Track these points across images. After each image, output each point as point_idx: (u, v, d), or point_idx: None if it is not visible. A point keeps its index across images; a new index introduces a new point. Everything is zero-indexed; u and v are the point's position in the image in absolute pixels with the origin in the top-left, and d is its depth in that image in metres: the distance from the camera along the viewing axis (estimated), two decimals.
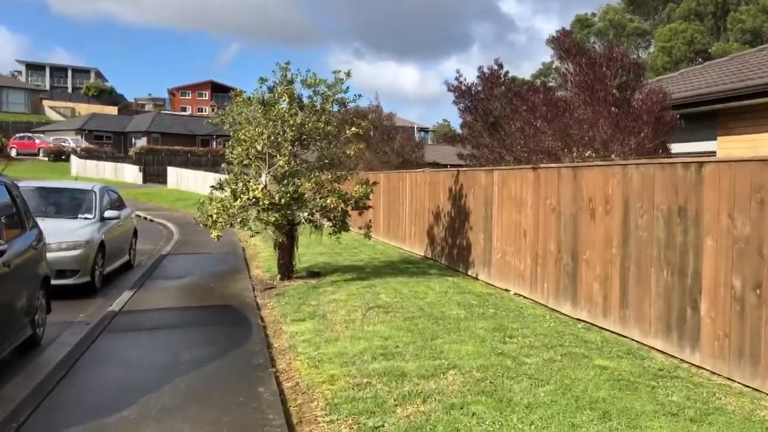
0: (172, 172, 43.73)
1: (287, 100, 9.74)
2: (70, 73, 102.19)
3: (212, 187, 9.61)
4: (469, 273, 11.29)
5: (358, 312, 7.68)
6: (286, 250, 10.33)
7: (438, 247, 12.97)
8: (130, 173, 47.15)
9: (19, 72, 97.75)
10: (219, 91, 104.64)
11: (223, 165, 9.58)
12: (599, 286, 7.42)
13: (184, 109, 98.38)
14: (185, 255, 15.28)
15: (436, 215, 13.05)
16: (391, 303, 8.17)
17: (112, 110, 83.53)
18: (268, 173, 9.46)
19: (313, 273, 11.05)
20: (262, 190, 9.12)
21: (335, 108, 10.39)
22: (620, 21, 41.96)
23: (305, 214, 9.36)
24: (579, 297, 7.84)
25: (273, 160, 9.56)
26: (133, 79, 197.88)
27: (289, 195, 9.17)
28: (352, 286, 9.49)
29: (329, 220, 9.91)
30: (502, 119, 11.07)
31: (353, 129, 10.10)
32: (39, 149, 55.95)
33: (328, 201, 9.40)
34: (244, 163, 9.58)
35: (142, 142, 63.04)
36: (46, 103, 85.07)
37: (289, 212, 9.33)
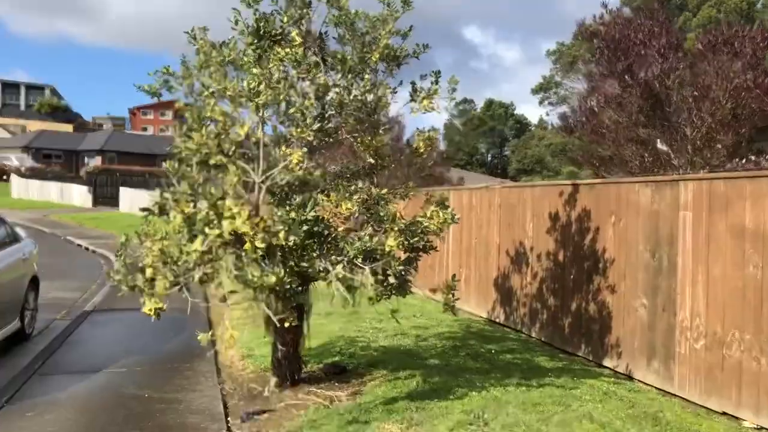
0: (125, 194, 38.23)
1: (298, 40, 4.87)
2: (23, 90, 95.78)
3: (145, 210, 4.63)
4: (605, 363, 6.47)
5: None
6: (289, 331, 5.36)
7: (521, 310, 8.12)
8: (79, 195, 41.48)
9: None
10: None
11: (165, 165, 4.59)
12: None
13: (145, 129, 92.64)
14: (119, 312, 10.10)
15: (517, 257, 8.23)
16: None
17: (68, 128, 77.28)
18: (262, 182, 4.53)
19: (335, 367, 6.09)
20: (250, 216, 4.18)
21: (381, 67, 5.55)
22: None
23: (339, 266, 4.44)
24: None
25: (273, 157, 4.66)
26: (92, 99, 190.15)
27: (307, 227, 4.28)
28: (433, 418, 4.57)
29: (374, 273, 4.98)
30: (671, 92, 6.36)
31: (425, 102, 5.28)
32: None
33: (389, 241, 4.50)
34: (212, 162, 4.63)
35: (96, 162, 57.24)
36: None
37: (304, 262, 4.42)
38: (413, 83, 5.69)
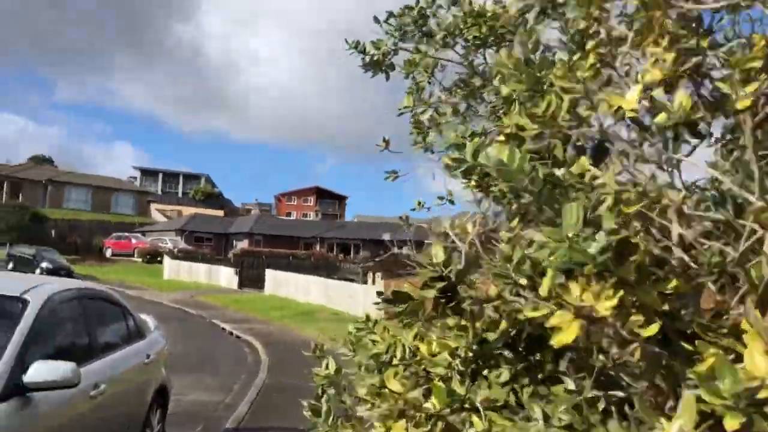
0: (270, 275, 37.15)
1: None
2: (181, 178, 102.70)
3: (394, 299, 1.75)
4: None
5: None
6: None
7: None
8: (226, 277, 41.07)
9: (135, 178, 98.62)
10: (324, 197, 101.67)
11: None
12: None
13: (289, 215, 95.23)
14: None
15: None
16: None
17: (219, 214, 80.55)
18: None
19: None
20: None
21: None
22: None
23: None
24: None
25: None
26: (241, 188, 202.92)
27: None
28: None
29: None
30: None
31: None
32: (134, 249, 51.66)
33: None
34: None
35: (243, 244, 58.06)
36: (153, 206, 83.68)
37: None
38: None
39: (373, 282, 37.24)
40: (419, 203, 3.33)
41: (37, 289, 4.29)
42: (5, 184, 64.30)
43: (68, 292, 4.63)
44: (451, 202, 3.37)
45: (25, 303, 4.07)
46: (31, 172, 70.88)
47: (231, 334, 20.83)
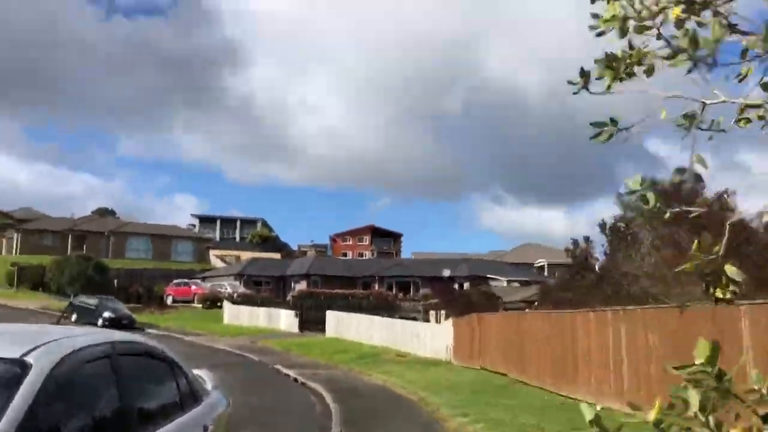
0: (331, 317, 35.89)
1: None
2: (238, 224, 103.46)
3: None
4: None
5: None
6: None
7: None
8: (286, 320, 39.99)
9: (194, 225, 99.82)
10: (379, 235, 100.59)
11: None
12: None
13: (345, 255, 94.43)
14: None
15: None
16: None
17: (276, 256, 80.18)
18: None
19: None
20: None
21: None
22: None
23: None
24: None
25: None
26: (297, 230, 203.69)
27: None
28: None
29: None
30: None
31: None
32: (194, 296, 51.34)
33: None
34: None
35: (301, 286, 57.12)
36: (212, 252, 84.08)
37: None
38: None
39: (437, 320, 35.43)
40: (641, 182, 1.95)
41: (46, 347, 3.03)
42: (70, 237, 65.65)
43: (94, 349, 3.37)
44: (699, 178, 1.98)
45: (25, 368, 2.82)
46: (93, 223, 72.27)
47: (295, 380, 19.56)
